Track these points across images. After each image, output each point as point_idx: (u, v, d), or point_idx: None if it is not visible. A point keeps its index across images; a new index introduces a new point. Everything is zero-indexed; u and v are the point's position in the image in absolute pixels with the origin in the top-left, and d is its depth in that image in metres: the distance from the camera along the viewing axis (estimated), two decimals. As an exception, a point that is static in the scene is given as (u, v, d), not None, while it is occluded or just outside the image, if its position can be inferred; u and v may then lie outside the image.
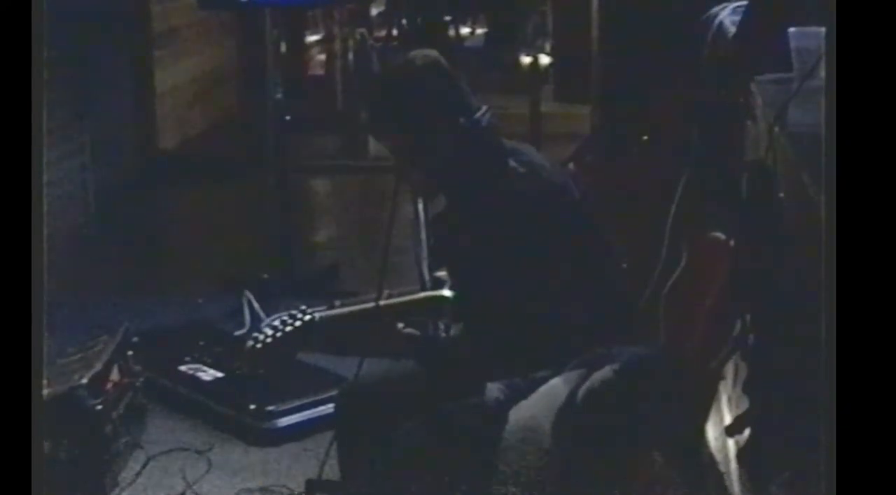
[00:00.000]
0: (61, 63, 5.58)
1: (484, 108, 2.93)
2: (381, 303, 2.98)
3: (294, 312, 3.00)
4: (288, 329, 2.98)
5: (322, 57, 7.41)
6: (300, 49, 7.41)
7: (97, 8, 5.92)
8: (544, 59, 7.05)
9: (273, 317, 3.07)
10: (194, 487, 3.82)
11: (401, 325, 2.94)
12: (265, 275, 5.45)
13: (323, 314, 3.01)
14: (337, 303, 3.10)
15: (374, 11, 7.34)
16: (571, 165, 4.53)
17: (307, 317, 2.98)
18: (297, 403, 4.19)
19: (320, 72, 7.37)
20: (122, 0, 6.19)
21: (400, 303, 3.06)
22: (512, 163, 2.91)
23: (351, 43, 7.05)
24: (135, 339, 4.11)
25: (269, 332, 2.99)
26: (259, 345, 2.99)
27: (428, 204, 3.26)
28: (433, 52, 2.99)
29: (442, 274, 3.08)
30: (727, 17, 3.20)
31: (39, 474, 1.82)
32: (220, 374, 4.47)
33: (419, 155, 2.91)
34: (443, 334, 3.04)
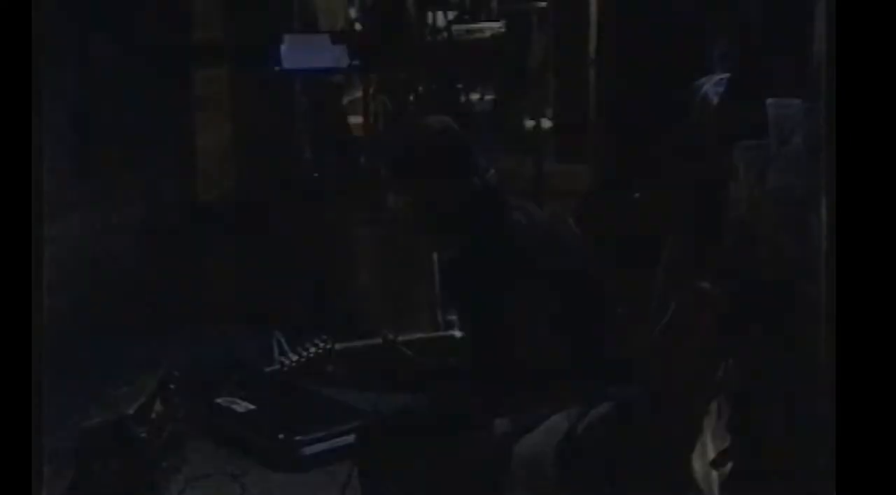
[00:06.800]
0: (116, 123, 5.67)
1: (492, 170, 2.95)
2: (397, 339, 3.02)
3: (317, 341, 3.06)
4: (311, 354, 3.02)
5: (348, 120, 7.44)
6: (327, 112, 7.45)
7: (147, 74, 6.02)
8: (546, 123, 7.06)
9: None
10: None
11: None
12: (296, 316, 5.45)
13: (341, 345, 3.06)
14: (356, 340, 3.14)
15: (395, 78, 7.38)
16: (571, 220, 4.54)
17: (327, 346, 3.02)
18: (321, 433, 4.19)
19: (346, 133, 7.40)
20: (168, 68, 6.27)
21: (413, 341, 3.07)
22: (515, 216, 2.92)
23: (374, 107, 7.08)
24: (176, 374, 4.12)
25: (294, 357, 3.04)
26: (285, 369, 3.04)
27: (439, 252, 3.28)
28: (446, 118, 3.00)
29: (453, 316, 3.09)
30: (711, 88, 3.22)
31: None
32: (252, 407, 4.48)
33: (432, 207, 2.92)
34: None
